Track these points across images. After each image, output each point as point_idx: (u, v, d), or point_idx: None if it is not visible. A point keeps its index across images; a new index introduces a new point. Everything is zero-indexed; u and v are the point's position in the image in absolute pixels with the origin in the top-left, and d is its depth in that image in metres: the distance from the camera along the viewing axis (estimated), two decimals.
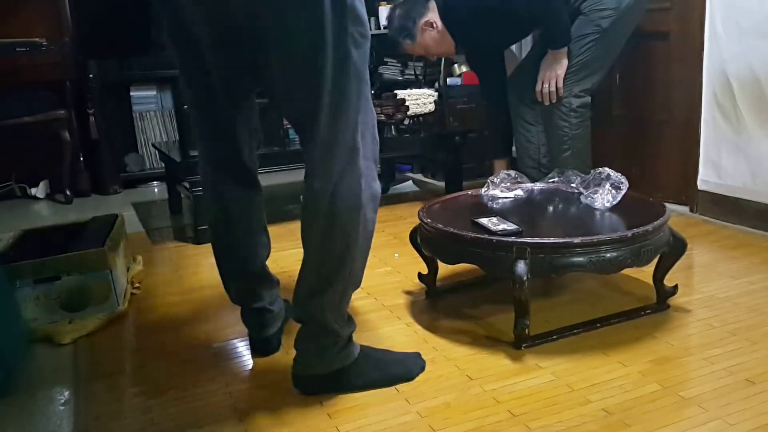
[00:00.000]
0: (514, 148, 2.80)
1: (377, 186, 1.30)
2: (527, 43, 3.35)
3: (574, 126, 2.38)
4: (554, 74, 2.33)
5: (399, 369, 1.44)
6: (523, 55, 3.08)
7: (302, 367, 1.37)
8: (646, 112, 2.73)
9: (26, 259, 1.80)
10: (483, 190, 1.94)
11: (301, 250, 1.29)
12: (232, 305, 1.62)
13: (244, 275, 1.52)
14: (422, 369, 1.46)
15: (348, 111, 1.22)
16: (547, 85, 2.35)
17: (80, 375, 1.53)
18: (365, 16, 1.23)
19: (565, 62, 2.32)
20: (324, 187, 1.23)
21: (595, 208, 1.72)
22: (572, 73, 2.34)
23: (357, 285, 1.35)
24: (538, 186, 1.98)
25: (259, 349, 1.59)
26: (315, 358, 1.36)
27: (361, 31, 1.21)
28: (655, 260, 1.61)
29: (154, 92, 4.00)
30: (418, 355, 1.50)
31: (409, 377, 1.42)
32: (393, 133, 2.96)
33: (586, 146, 2.44)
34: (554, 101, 2.37)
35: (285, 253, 2.31)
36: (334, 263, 1.28)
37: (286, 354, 1.56)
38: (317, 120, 1.21)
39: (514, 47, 3.39)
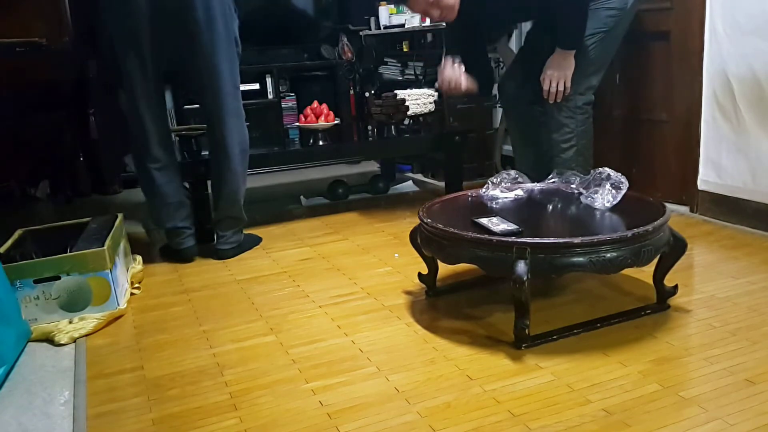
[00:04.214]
0: (511, 147, 2.80)
1: None
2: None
3: (580, 123, 2.39)
4: (563, 74, 2.32)
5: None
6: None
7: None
8: (647, 112, 2.73)
9: (26, 259, 1.81)
10: (483, 190, 1.94)
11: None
12: (231, 305, 1.76)
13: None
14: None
15: None
16: (555, 84, 2.35)
17: (80, 375, 1.53)
18: None
19: (573, 63, 2.31)
20: None
21: (595, 208, 1.72)
22: (578, 72, 2.34)
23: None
24: (538, 186, 1.98)
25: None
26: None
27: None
28: (655, 260, 1.61)
29: None
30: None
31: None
32: (393, 133, 2.96)
33: (589, 144, 2.44)
34: (560, 100, 2.37)
35: (284, 253, 2.33)
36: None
37: (284, 358, 1.56)
38: None
39: (513, 46, 3.39)
